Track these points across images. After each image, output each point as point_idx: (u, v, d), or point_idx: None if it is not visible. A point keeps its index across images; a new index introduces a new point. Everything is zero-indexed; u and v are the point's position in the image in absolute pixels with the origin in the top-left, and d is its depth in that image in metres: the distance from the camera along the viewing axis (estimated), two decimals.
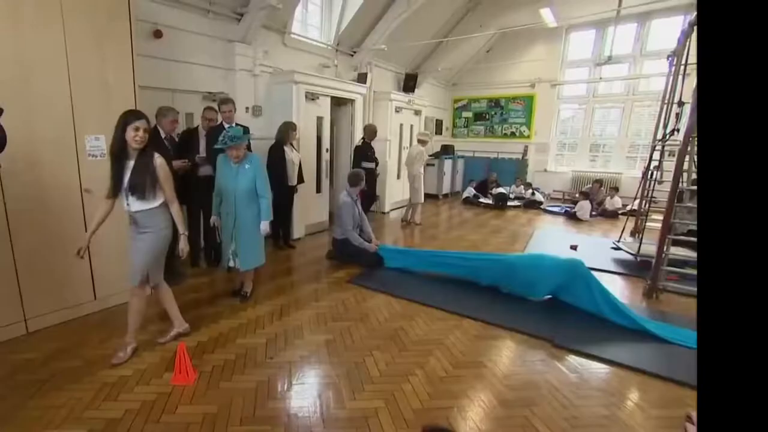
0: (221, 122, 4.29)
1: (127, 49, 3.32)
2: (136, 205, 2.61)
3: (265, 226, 3.56)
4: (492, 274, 4.18)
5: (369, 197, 6.64)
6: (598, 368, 2.90)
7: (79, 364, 2.68)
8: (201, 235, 4.58)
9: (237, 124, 4.26)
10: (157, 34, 4.46)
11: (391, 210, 8.50)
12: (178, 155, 3.96)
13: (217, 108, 4.39)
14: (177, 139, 4.14)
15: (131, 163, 2.57)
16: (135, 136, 2.51)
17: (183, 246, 2.83)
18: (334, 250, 5.06)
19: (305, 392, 2.51)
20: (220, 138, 3.34)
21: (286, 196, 5.39)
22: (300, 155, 5.50)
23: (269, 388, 2.53)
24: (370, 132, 6.61)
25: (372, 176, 6.69)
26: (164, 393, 2.44)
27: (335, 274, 4.60)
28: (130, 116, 2.52)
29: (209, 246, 4.56)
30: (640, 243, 5.23)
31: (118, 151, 2.53)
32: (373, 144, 6.62)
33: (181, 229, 2.81)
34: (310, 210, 6.00)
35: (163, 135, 3.85)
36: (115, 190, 2.57)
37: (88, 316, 3.29)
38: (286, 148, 5.22)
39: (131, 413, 2.26)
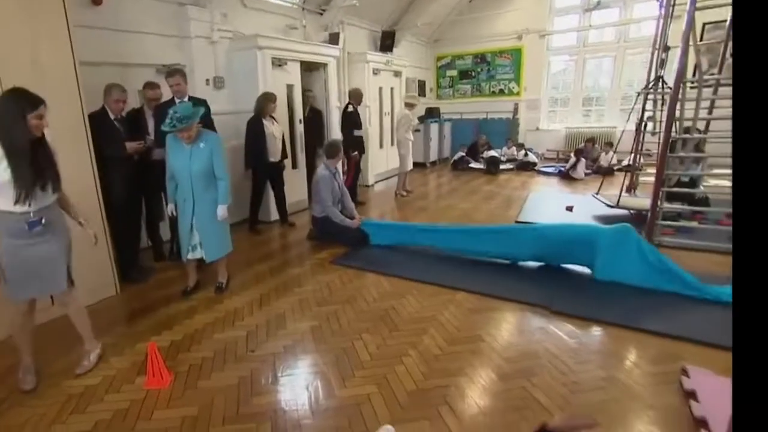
0: (172, 97, 4.09)
1: (61, 20, 3.12)
2: (42, 200, 2.34)
3: (222, 211, 3.44)
4: (502, 246, 4.08)
5: (357, 167, 6.57)
6: (596, 331, 2.96)
7: (41, 377, 2.58)
8: (167, 225, 4.45)
9: (191, 98, 4.09)
10: (96, 0, 4.21)
11: (376, 182, 8.41)
12: (130, 137, 3.78)
13: (160, 83, 4.19)
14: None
15: (27, 153, 2.26)
16: (39, 125, 2.24)
17: (92, 233, 2.58)
18: (314, 229, 4.99)
19: (292, 384, 2.49)
20: (167, 120, 3.15)
21: (268, 174, 5.30)
22: (282, 128, 5.38)
23: (252, 383, 2.50)
24: (357, 96, 6.50)
25: (363, 145, 6.64)
26: (138, 399, 2.38)
27: (317, 256, 4.55)
28: (24, 103, 2.19)
29: (175, 237, 4.44)
30: (620, 194, 5.47)
31: (22, 144, 2.21)
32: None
33: (79, 217, 2.58)
34: (286, 188, 5.87)
35: (112, 116, 3.67)
36: (28, 191, 2.25)
37: (47, 324, 3.15)
38: (266, 122, 5.11)
39: (102, 424, 2.20)
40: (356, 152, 6.44)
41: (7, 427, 2.20)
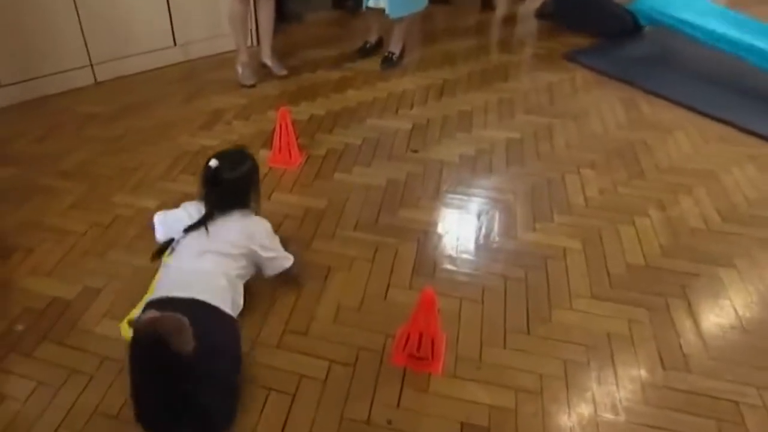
0: None
1: None
2: None
3: None
4: None
5: None
6: None
7: (154, 124, 3.20)
8: None
9: None
10: None
11: None
12: None
13: None
14: None
15: None
16: None
17: None
18: (551, 2, 4.83)
19: (458, 205, 2.67)
20: None
21: None
22: None
23: (405, 190, 2.74)
24: None
25: None
26: None
27: (545, 43, 4.51)
28: None
29: None
30: None
31: None
32: None
33: None
34: None
35: None
36: None
37: (167, 69, 3.80)
38: None
39: None
40: None
41: (117, 168, 2.84)
